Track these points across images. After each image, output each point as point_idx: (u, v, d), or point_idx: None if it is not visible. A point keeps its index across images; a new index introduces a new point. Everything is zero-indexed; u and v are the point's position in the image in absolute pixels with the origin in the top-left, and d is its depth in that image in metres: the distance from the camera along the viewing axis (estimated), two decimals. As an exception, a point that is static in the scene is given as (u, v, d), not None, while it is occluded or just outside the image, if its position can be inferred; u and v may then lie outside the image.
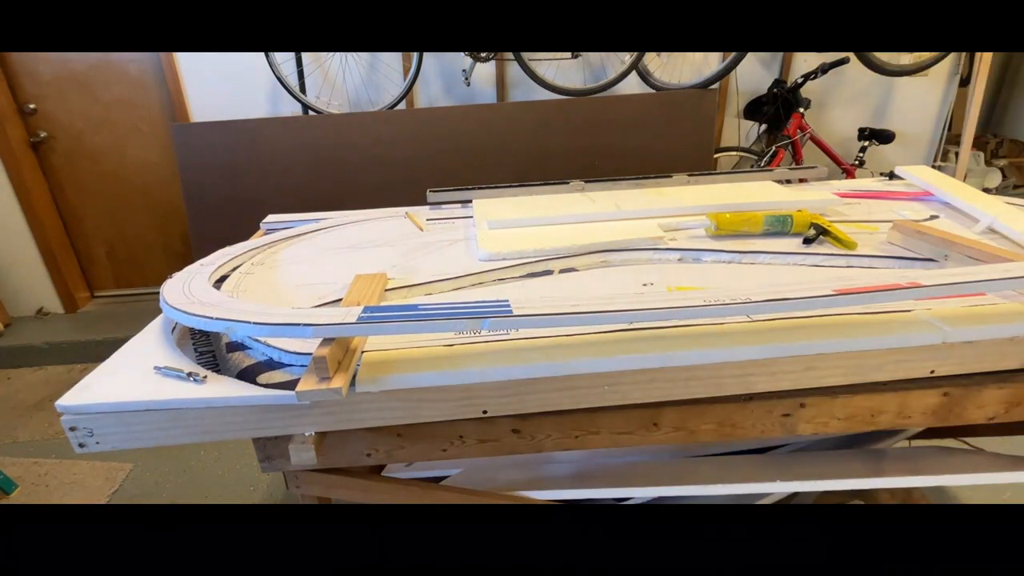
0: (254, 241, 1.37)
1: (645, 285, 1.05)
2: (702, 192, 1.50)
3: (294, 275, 1.17)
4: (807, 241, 1.16)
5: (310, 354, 0.77)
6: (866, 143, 2.80)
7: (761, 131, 2.95)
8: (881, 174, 1.72)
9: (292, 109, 2.81)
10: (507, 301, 0.81)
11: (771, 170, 2.03)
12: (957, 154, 2.91)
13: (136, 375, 0.84)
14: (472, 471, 1.23)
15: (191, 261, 1.17)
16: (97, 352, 2.86)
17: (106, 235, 3.18)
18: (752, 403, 0.92)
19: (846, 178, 2.83)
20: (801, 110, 2.70)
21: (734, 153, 2.92)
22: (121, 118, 2.92)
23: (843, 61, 2.61)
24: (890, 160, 3.00)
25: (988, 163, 3.24)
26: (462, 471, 1.24)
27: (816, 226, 1.17)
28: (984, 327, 0.87)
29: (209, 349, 0.97)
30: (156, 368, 0.84)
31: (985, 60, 2.71)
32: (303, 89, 2.72)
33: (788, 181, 1.69)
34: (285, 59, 2.63)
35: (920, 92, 2.93)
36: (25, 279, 3.09)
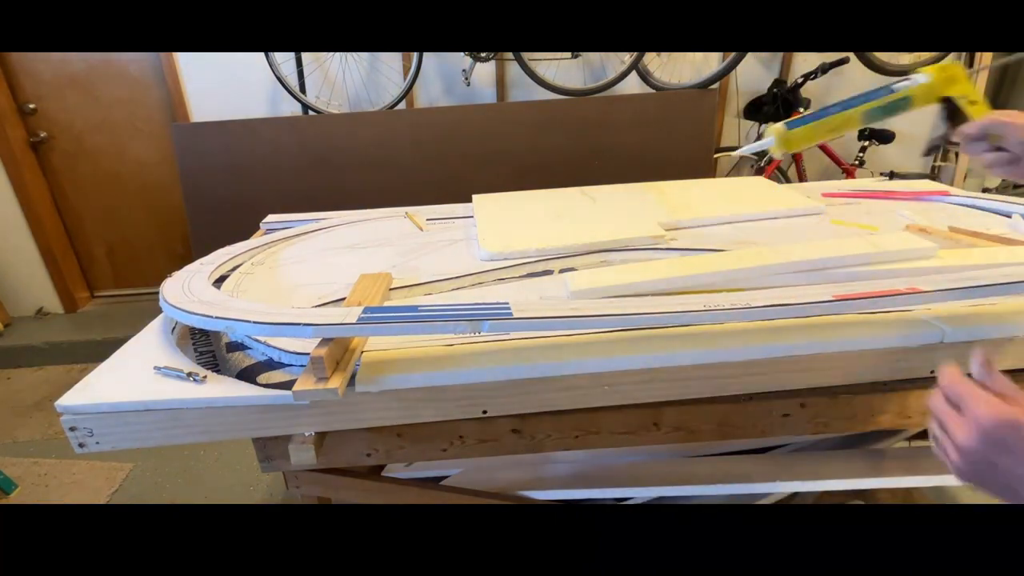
0: (254, 241, 1.37)
1: (645, 285, 1.04)
2: (702, 191, 1.50)
3: (294, 275, 1.17)
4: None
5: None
6: (866, 143, 2.80)
7: (761, 131, 2.95)
8: (881, 174, 1.72)
9: (292, 109, 2.81)
10: (507, 303, 0.81)
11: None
12: (957, 154, 2.91)
13: (136, 375, 0.84)
14: (472, 471, 1.23)
15: (191, 261, 1.17)
16: (97, 352, 2.85)
17: (106, 235, 3.17)
18: (752, 403, 0.92)
19: (846, 178, 2.83)
20: (801, 110, 2.70)
21: (734, 153, 2.92)
22: (121, 118, 2.92)
23: (843, 61, 2.61)
24: (890, 160, 3.00)
25: (988, 163, 3.23)
26: (462, 471, 1.24)
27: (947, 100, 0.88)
28: (984, 327, 0.87)
29: (209, 349, 0.97)
30: (156, 368, 0.84)
31: (985, 60, 2.71)
32: (303, 89, 2.71)
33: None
34: (285, 59, 2.63)
35: (920, 92, 2.92)
36: (25, 279, 3.08)
